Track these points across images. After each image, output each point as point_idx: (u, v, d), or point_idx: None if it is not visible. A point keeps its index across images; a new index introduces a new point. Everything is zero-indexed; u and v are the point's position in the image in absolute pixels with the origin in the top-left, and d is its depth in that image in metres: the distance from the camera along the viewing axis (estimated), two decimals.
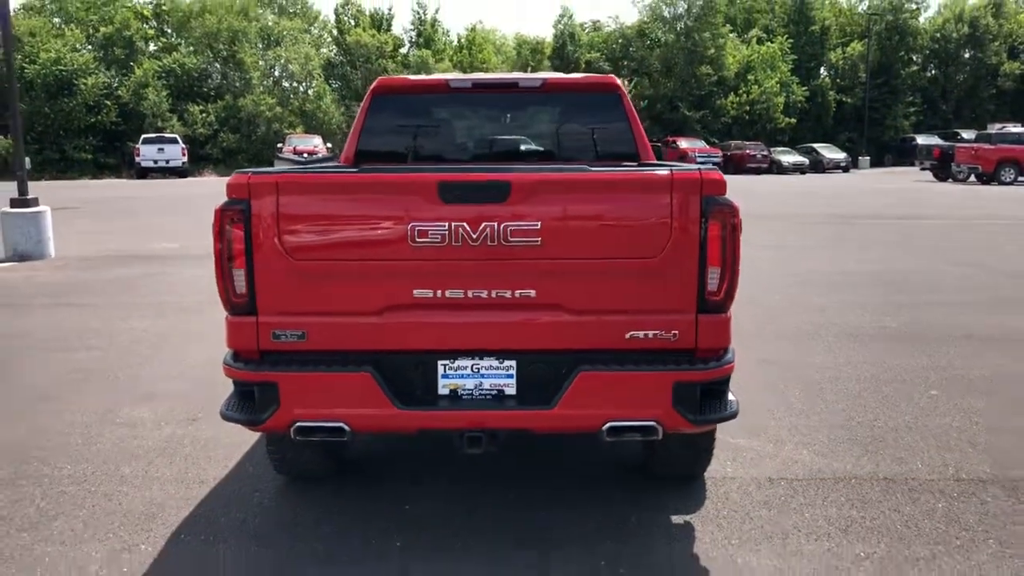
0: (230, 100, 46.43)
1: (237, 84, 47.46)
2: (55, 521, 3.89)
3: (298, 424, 3.30)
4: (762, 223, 17.01)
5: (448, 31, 56.95)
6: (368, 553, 3.57)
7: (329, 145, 42.83)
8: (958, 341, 7.02)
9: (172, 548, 3.63)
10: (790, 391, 5.71)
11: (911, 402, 5.46)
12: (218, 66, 48.44)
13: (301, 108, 48.76)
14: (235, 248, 3.26)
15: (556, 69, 53.22)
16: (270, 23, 51.60)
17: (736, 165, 44.68)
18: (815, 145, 48.91)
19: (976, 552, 3.53)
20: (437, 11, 55.99)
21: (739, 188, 28.84)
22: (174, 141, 39.57)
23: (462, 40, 55.44)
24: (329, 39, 54.81)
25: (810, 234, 15.16)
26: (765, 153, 45.58)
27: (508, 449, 4.78)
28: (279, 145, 41.46)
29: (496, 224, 3.19)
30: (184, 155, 39.36)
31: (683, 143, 45.46)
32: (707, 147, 45.81)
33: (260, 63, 48.90)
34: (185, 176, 39.53)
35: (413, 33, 55.27)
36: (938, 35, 57.42)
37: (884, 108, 55.34)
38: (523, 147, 5.27)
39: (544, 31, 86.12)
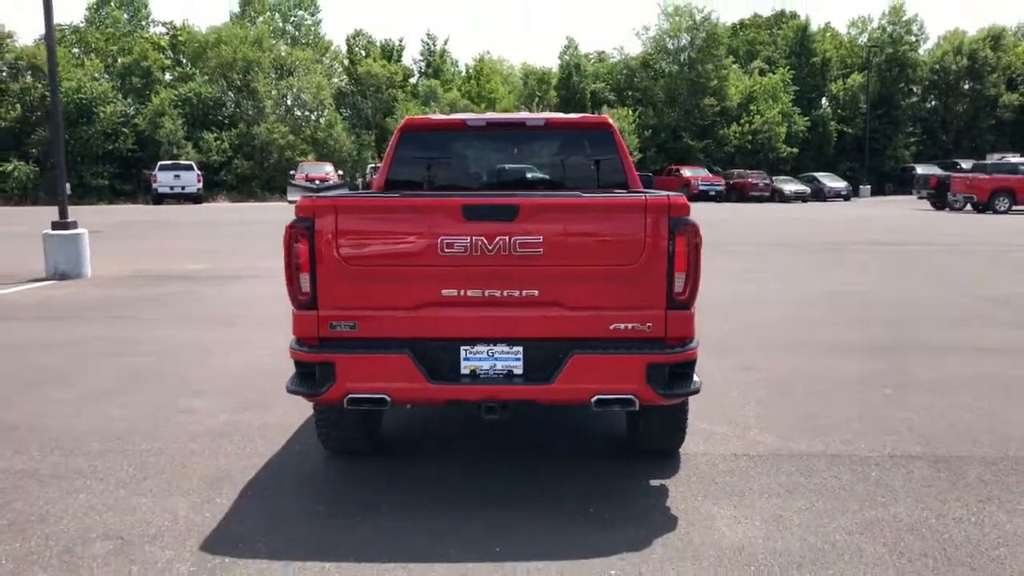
0: (244, 128, 47.64)
1: (250, 112, 48.69)
2: (143, 482, 4.74)
3: (350, 395, 4.16)
4: (758, 249, 17.89)
5: (456, 61, 58.43)
6: (404, 504, 4.40)
7: (340, 172, 43.93)
8: (918, 351, 7.85)
9: (243, 500, 4.47)
10: (762, 390, 6.54)
11: (865, 398, 6.29)
12: (232, 95, 49.70)
13: (313, 136, 49.95)
14: (301, 257, 4.14)
15: (562, 99, 54.50)
16: (283, 53, 52.95)
17: (739, 193, 45.65)
18: (817, 174, 49.91)
19: (895, 506, 4.35)
20: (446, 42, 57.53)
21: (739, 216, 29.71)
22: (190, 168, 40.71)
23: (470, 70, 56.74)
24: (340, 69, 56.16)
25: (802, 259, 16.01)
26: (767, 182, 46.53)
27: (515, 431, 5.63)
28: (291, 172, 42.59)
29: (507, 238, 4.06)
30: (199, 181, 40.49)
31: (686, 171, 46.53)
32: (710, 175, 46.85)
33: (273, 92, 50.19)
34: (200, 202, 40.65)
35: (423, 63, 56.65)
36: (937, 67, 58.58)
37: (885, 138, 56.40)
38: (528, 175, 6.15)
39: (550, 61, 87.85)
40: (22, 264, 15.04)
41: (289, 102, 52.23)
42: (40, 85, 44.70)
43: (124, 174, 45.40)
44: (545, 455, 5.20)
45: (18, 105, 44.42)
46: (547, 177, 6.18)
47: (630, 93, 56.66)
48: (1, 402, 6.35)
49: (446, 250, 4.08)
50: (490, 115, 6.25)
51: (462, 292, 4.14)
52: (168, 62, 50.22)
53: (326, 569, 3.69)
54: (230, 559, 3.79)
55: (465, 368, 4.22)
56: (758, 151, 53.66)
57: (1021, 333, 8.66)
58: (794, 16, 62.94)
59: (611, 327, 4.15)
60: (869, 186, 52.43)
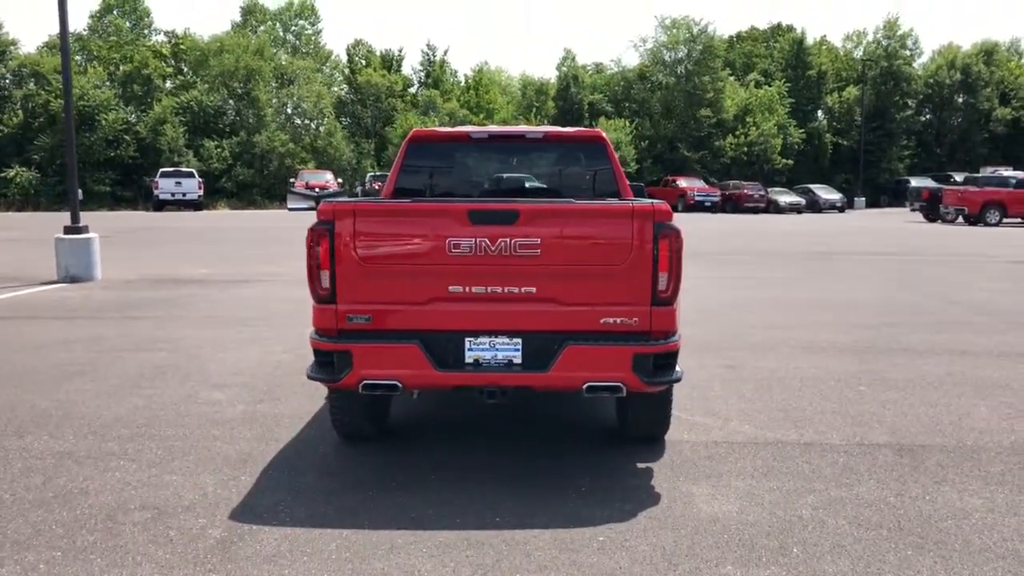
0: (244, 136, 48.13)
1: (251, 121, 49.18)
2: (172, 462, 5.17)
3: (365, 381, 4.60)
4: (749, 258, 18.36)
5: (456, 72, 58.93)
6: (412, 482, 4.84)
7: (340, 180, 44.39)
8: (894, 353, 8.30)
9: (264, 477, 4.91)
10: (744, 386, 6.98)
11: (840, 395, 6.73)
12: (233, 103, 50.19)
13: (313, 144, 50.43)
14: (322, 256, 4.58)
15: (560, 110, 55.08)
16: (284, 62, 53.47)
17: (735, 204, 46.17)
18: (812, 186, 50.44)
19: (859, 486, 4.80)
20: (446, 52, 58.06)
21: (733, 226, 30.18)
22: (191, 175, 41.16)
23: (469, 81, 57.29)
24: (340, 78, 56.70)
25: (791, 268, 16.48)
26: (763, 193, 47.04)
27: (514, 421, 6.07)
28: (291, 180, 43.07)
29: (508, 240, 4.51)
30: (200, 188, 40.94)
31: (682, 182, 47.07)
32: (706, 186, 47.38)
33: (274, 101, 50.69)
34: (201, 209, 41.09)
35: (422, 73, 57.20)
36: (932, 81, 59.30)
37: (879, 151, 57.03)
38: (526, 184, 6.60)
39: (549, 72, 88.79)
40: (30, 268, 15.47)
41: (289, 111, 52.74)
42: (43, 92, 45.19)
43: (125, 181, 45.84)
44: (541, 442, 5.64)
45: (20, 112, 44.89)
46: (544, 186, 6.62)
47: (627, 104, 57.27)
48: (31, 393, 6.77)
49: (453, 250, 4.53)
50: (492, 128, 6.72)
51: (467, 289, 4.58)
52: (170, 70, 50.71)
53: (344, 535, 4.12)
54: (257, 526, 4.22)
55: (469, 357, 4.66)
56: (754, 163, 54.24)
57: (992, 337, 9.11)
58: (790, 29, 63.65)
59: (601, 321, 4.60)
60: (864, 198, 53.02)
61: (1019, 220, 32.83)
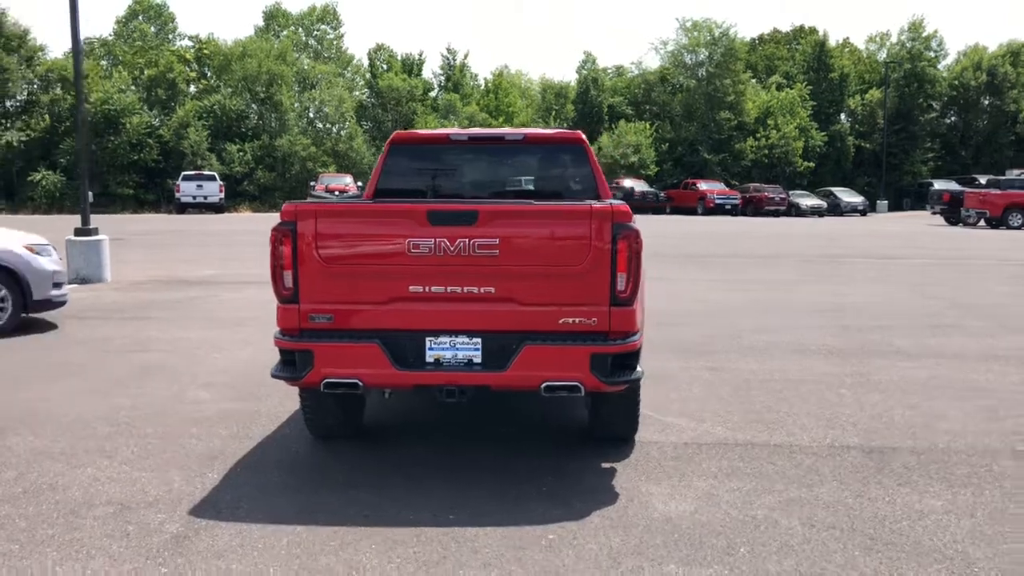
0: (266, 140, 48.49)
1: (273, 124, 49.56)
2: (145, 460, 5.26)
3: (327, 380, 4.66)
4: (759, 262, 18.28)
5: (476, 75, 59.05)
6: (374, 478, 4.90)
7: (360, 183, 44.62)
8: (883, 356, 8.26)
9: (232, 474, 4.99)
10: (724, 388, 6.98)
11: (820, 397, 6.72)
12: (255, 107, 50.58)
13: (334, 148, 50.72)
14: (285, 256, 4.65)
15: (579, 113, 55.10)
16: (306, 67, 53.84)
17: (755, 207, 45.91)
18: (833, 189, 50.06)
19: (820, 487, 4.80)
20: (466, 56, 58.12)
21: (750, 229, 30.02)
22: (212, 178, 41.54)
23: (488, 84, 57.41)
24: (362, 82, 57.02)
25: (799, 271, 16.40)
26: (783, 196, 46.73)
27: (489, 421, 6.12)
28: (311, 183, 43.36)
29: (467, 240, 4.56)
30: (221, 192, 41.30)
31: (702, 185, 46.89)
32: (726, 189, 47.15)
33: (296, 105, 51.06)
34: (222, 211, 41.45)
35: (442, 77, 57.40)
36: (957, 82, 58.58)
37: (903, 153, 56.48)
38: (505, 186, 6.65)
39: (569, 75, 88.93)
40: None
41: (311, 114, 53.08)
42: (69, 96, 45.80)
43: (148, 184, 46.35)
44: (512, 442, 5.68)
45: (47, 116, 45.53)
46: (522, 187, 6.67)
47: (648, 107, 57.17)
48: (23, 392, 6.90)
49: (413, 251, 4.58)
50: (472, 130, 6.79)
51: (427, 289, 4.64)
52: (193, 74, 51.22)
53: (297, 531, 4.18)
54: (214, 522, 4.30)
55: (430, 357, 4.71)
56: (775, 165, 53.92)
57: (987, 341, 9.04)
58: (812, 31, 63.19)
59: (560, 321, 4.63)
60: (886, 201, 52.51)
61: None
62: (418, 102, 53.50)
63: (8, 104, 47.09)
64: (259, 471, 5.09)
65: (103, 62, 51.49)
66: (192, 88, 51.14)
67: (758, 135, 53.96)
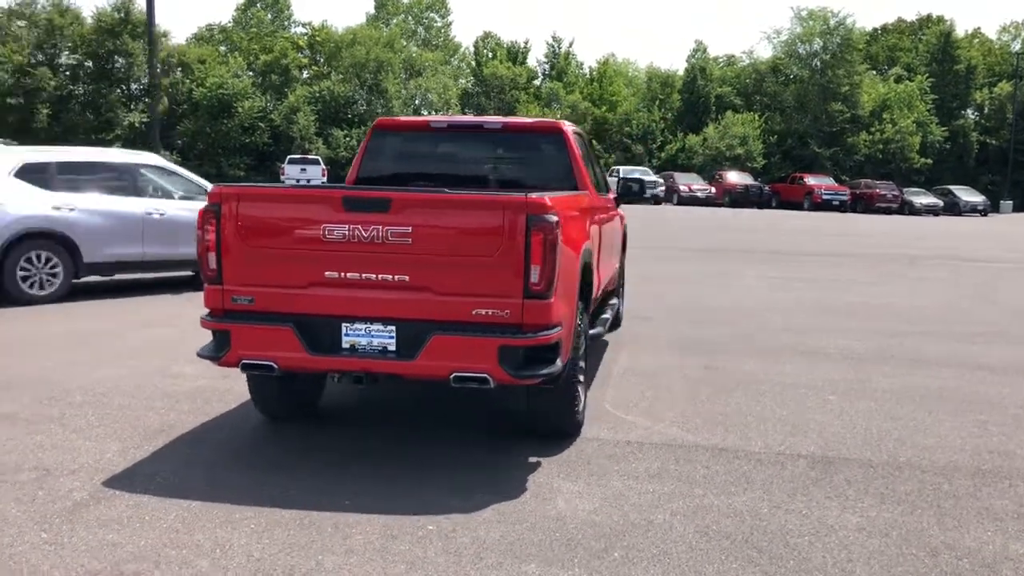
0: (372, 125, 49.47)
1: (379, 111, 50.55)
2: (95, 429, 5.48)
3: (243, 361, 4.75)
4: (829, 260, 17.62)
5: (582, 64, 58.74)
6: (294, 460, 4.97)
7: None
8: (900, 363, 7.83)
9: (167, 448, 5.15)
10: (706, 389, 6.76)
11: (801, 403, 6.42)
12: (363, 93, 51.72)
13: None
14: (210, 238, 4.75)
15: (685, 102, 54.19)
16: (414, 54, 54.68)
17: (865, 204, 44.22)
18: (952, 187, 47.73)
19: (740, 496, 4.60)
20: (571, 44, 58.14)
21: (846, 227, 28.89)
22: (316, 162, 42.73)
23: (593, 73, 57.02)
24: (467, 70, 57.53)
25: (865, 270, 15.70)
26: (896, 193, 44.85)
27: (441, 411, 6.12)
28: None
29: (380, 227, 4.55)
30: (324, 175, 42.41)
31: (810, 179, 45.44)
32: (834, 185, 45.55)
33: (402, 92, 51.96)
34: None
35: (547, 66, 57.36)
36: None
37: None
38: (480, 173, 6.61)
39: (678, 63, 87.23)
40: None
41: (417, 102, 53.93)
42: (187, 80, 47.94)
43: (259, 166, 48.05)
44: (451, 432, 5.66)
45: (166, 99, 47.69)
46: (498, 175, 6.62)
47: (758, 98, 55.71)
48: (27, 360, 7.29)
49: (328, 236, 4.61)
50: (452, 117, 6.81)
51: (342, 274, 4.66)
52: (305, 61, 52.73)
53: (189, 506, 4.27)
54: (119, 492, 4.45)
55: (346, 343, 4.73)
56: (889, 161, 51.77)
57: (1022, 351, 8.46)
58: (940, 21, 60.19)
59: (473, 312, 4.58)
60: (1011, 201, 49.73)
61: None
62: (521, 90, 53.66)
63: (133, 87, 49.53)
64: (194, 446, 5.23)
65: (221, 48, 53.57)
66: (304, 74, 52.65)
67: (872, 129, 51.89)
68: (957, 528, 4.25)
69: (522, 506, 4.39)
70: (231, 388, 6.47)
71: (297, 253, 4.71)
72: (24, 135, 45.28)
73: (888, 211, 43.64)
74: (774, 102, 54.99)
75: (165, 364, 7.19)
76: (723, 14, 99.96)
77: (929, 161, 51.84)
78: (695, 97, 54.14)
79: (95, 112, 46.60)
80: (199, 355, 4.94)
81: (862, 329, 9.48)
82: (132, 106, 47.85)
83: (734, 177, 45.89)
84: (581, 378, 5.45)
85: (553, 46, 57.25)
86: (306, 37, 54.32)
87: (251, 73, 51.04)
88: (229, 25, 56.64)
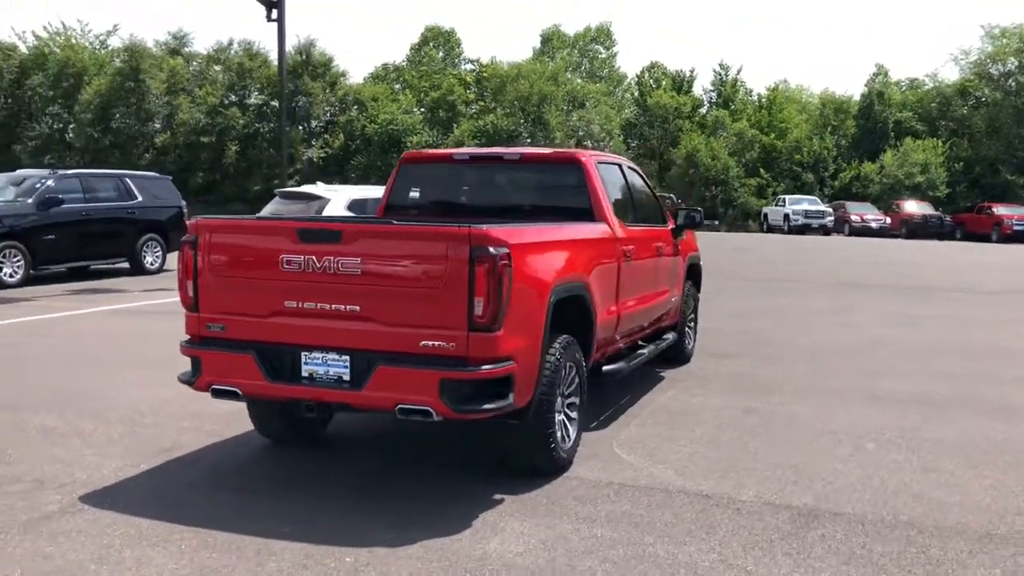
0: None
1: (541, 143, 51.28)
2: (111, 447, 5.84)
3: (212, 387, 4.95)
4: (975, 297, 16.30)
5: (751, 91, 57.22)
6: (269, 485, 5.11)
7: None
8: (977, 411, 7.11)
9: (161, 467, 5.43)
10: (731, 433, 6.37)
11: (828, 451, 5.95)
12: (526, 126, 52.59)
13: None
14: (188, 267, 5.00)
15: (861, 129, 51.78)
16: (578, 86, 55.12)
17: None
18: None
19: (691, 545, 4.32)
20: (739, 71, 56.46)
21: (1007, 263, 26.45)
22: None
23: (762, 99, 55.45)
24: (630, 100, 57.40)
25: (1007, 309, 14.36)
26: None
27: (413, 445, 6.11)
28: None
29: (333, 258, 4.65)
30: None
31: (1000, 209, 42.07)
32: None
33: (564, 124, 52.46)
34: None
35: (713, 93, 56.30)
36: None
37: None
38: (499, 203, 6.63)
39: (854, 88, 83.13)
40: None
41: (581, 133, 54.27)
42: (362, 117, 50.48)
43: None
44: (443, 463, 5.66)
45: (342, 135, 50.39)
46: (516, 206, 6.61)
47: (942, 123, 52.30)
48: (79, 374, 7.86)
49: (286, 267, 4.75)
50: (473, 149, 6.85)
51: (300, 304, 4.77)
52: (472, 96, 54.30)
53: (136, 524, 4.48)
54: (88, 507, 4.73)
55: (305, 371, 4.84)
56: None
57: None
58: None
59: (421, 344, 4.57)
60: None
61: None
62: (685, 119, 52.92)
63: (313, 124, 52.64)
64: (186, 466, 5.48)
65: (396, 85, 56.07)
66: (471, 109, 54.23)
67: None
68: None
69: (453, 543, 4.31)
70: (242, 407, 6.70)
71: (260, 283, 4.87)
72: (215, 170, 49.20)
73: None
74: (961, 127, 51.45)
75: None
76: (904, 37, 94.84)
77: None
78: (872, 123, 51.46)
79: (278, 148, 49.84)
80: (179, 379, 5.18)
81: (958, 372, 8.68)
82: (312, 142, 50.84)
83: (912, 207, 43.25)
84: (561, 414, 5.31)
85: (720, 74, 56.15)
86: (473, 73, 55.94)
87: (421, 109, 53.10)
88: (403, 64, 59.21)
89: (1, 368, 8.34)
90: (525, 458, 5.23)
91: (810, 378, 8.29)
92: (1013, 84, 50.76)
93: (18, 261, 14.67)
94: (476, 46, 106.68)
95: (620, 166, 7.35)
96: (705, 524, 4.62)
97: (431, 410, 4.50)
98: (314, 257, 4.68)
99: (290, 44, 50.50)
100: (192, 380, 5.04)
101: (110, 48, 53.75)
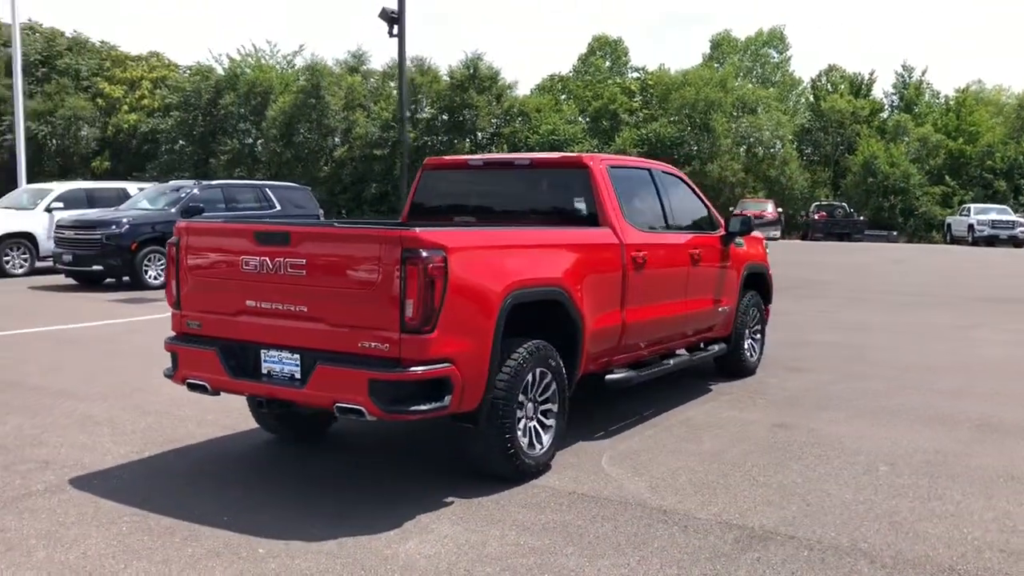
0: (697, 166, 49.29)
1: (706, 150, 50.19)
2: (131, 435, 6.26)
3: (187, 380, 5.23)
4: None
5: (938, 93, 53.63)
6: (249, 478, 5.34)
7: (780, 210, 43.37)
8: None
9: (158, 456, 5.79)
10: (739, 449, 6.03)
11: (835, 471, 5.53)
12: (690, 133, 51.62)
13: (766, 174, 49.83)
14: (171, 267, 5.32)
15: None
16: (748, 91, 53.54)
17: None
18: None
19: (605, 560, 4.15)
20: (924, 72, 53.02)
21: None
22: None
23: (949, 102, 51.83)
24: (804, 105, 55.15)
25: None
26: None
27: (410, 444, 6.15)
28: (731, 209, 43.17)
29: (283, 260, 4.82)
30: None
31: None
32: None
33: (731, 130, 51.11)
34: None
35: (895, 96, 53.21)
36: None
37: None
38: (508, 207, 6.65)
39: None
40: None
41: (750, 140, 52.71)
42: (525, 128, 51.23)
43: None
44: (406, 468, 5.69)
45: (505, 145, 51.30)
46: (526, 209, 6.61)
47: None
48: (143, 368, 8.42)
49: (245, 267, 4.96)
50: (487, 156, 6.88)
51: (259, 304, 4.97)
52: (636, 105, 53.89)
53: (99, 504, 4.81)
54: (70, 488, 5.11)
55: (264, 368, 5.03)
56: None
57: None
58: None
59: (360, 344, 4.65)
60: None
61: None
62: (863, 124, 50.26)
63: (479, 136, 53.93)
64: (181, 457, 5.82)
65: (562, 96, 56.51)
66: (634, 118, 53.84)
67: None
68: None
69: (370, 542, 4.35)
70: None
71: (227, 283, 5.11)
72: (387, 182, 51.34)
73: None
74: None
75: None
76: None
77: None
78: None
79: None
80: (164, 374, 5.50)
81: None
82: (476, 154, 52.10)
83: None
84: (533, 421, 5.29)
85: (903, 75, 52.97)
86: (639, 81, 55.52)
87: (585, 119, 53.24)
88: (569, 74, 59.58)
89: (95, 361, 9.11)
90: (483, 462, 5.20)
91: (879, 396, 7.70)
92: None
93: (162, 264, 15.92)
94: (643, 54, 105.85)
95: (650, 171, 7.15)
96: (640, 540, 4.42)
97: (363, 409, 4.57)
98: (267, 259, 4.87)
99: (457, 59, 52.01)
100: (171, 374, 5.35)
101: (296, 67, 57.25)
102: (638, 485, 5.26)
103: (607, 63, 58.82)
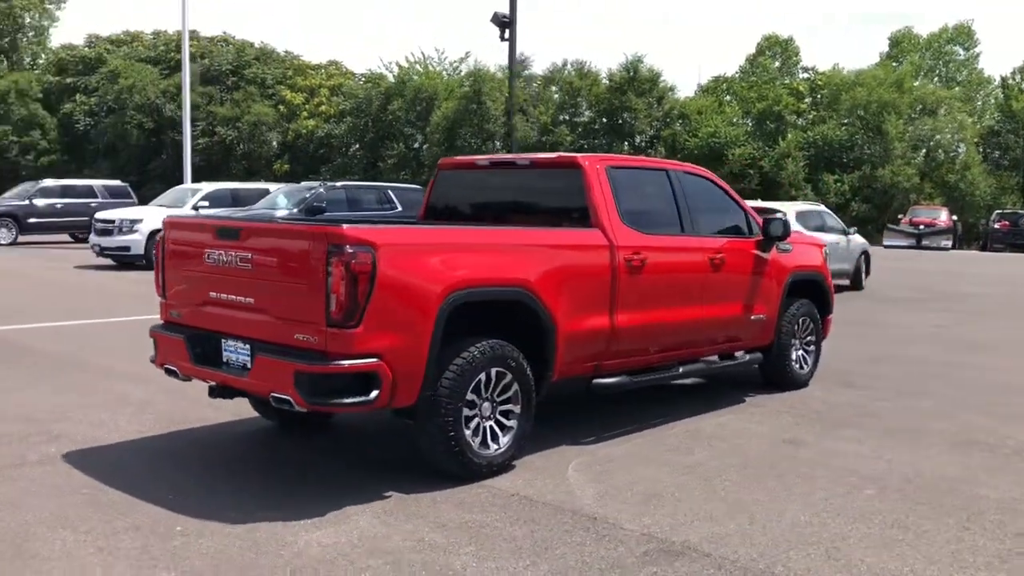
0: (867, 170, 46.78)
1: (878, 154, 47.54)
2: (141, 416, 6.69)
3: (164, 367, 5.56)
4: None
5: None
6: (224, 462, 5.62)
7: (955, 217, 40.46)
8: None
9: (157, 437, 6.19)
10: (726, 461, 5.77)
11: (807, 492, 5.18)
12: (861, 136, 49.03)
13: (944, 179, 46.68)
14: (157, 259, 5.67)
15: None
16: (928, 91, 50.33)
17: None
18: None
19: (493, 562, 4.10)
20: None
21: None
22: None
23: None
24: (993, 105, 51.22)
25: None
26: None
27: (386, 440, 6.23)
28: (899, 216, 40.72)
29: (235, 253, 5.04)
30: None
31: None
32: None
33: (906, 133, 48.16)
34: None
35: None
36: None
37: None
38: (507, 205, 6.72)
39: None
40: None
41: (930, 143, 49.51)
42: (684, 131, 50.34)
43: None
44: (375, 460, 5.82)
45: (662, 148, 50.59)
46: (525, 208, 6.75)
47: None
48: None
49: (208, 260, 5.23)
50: (493, 156, 6.94)
51: (219, 295, 5.23)
52: (804, 106, 51.76)
53: (71, 477, 5.18)
54: (61, 461, 5.54)
55: (224, 357, 5.27)
56: None
57: None
58: None
59: (295, 336, 4.81)
60: None
61: None
62: None
63: (638, 139, 53.43)
64: (177, 438, 6.19)
65: (726, 97, 55.08)
66: (800, 120, 51.76)
67: None
68: None
69: (282, 529, 4.48)
70: None
71: (196, 275, 5.40)
72: None
73: None
74: None
75: None
76: None
77: None
78: None
79: None
80: (150, 360, 5.85)
81: None
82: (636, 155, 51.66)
83: None
84: (489, 421, 5.31)
85: None
86: (808, 82, 53.30)
87: (749, 121, 51.67)
88: (735, 75, 57.98)
89: None
90: (431, 458, 5.22)
91: (921, 416, 7.11)
92: None
93: None
94: (815, 54, 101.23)
95: (667, 172, 6.92)
96: (545, 545, 4.33)
97: (291, 400, 4.71)
98: (223, 252, 5.11)
99: (616, 63, 51.74)
100: (153, 359, 5.71)
101: (461, 73, 58.76)
102: (587, 492, 5.13)
103: (776, 63, 56.79)
